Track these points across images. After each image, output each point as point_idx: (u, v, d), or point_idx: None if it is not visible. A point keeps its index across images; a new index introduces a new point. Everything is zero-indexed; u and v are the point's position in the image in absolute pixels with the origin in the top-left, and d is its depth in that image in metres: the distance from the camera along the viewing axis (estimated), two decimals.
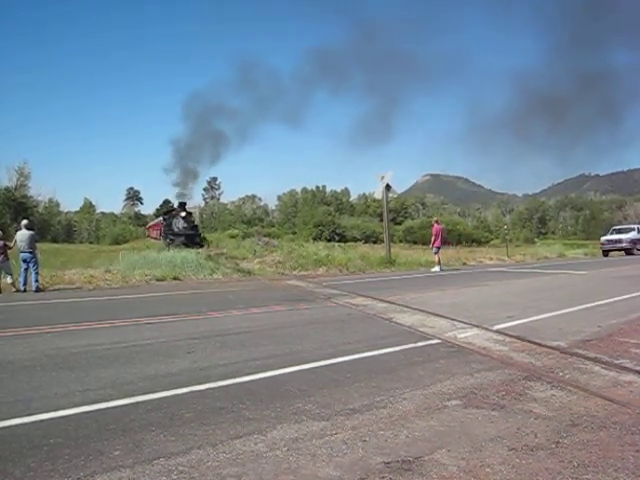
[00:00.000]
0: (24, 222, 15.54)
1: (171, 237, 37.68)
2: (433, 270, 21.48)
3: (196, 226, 42.57)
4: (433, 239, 22.41)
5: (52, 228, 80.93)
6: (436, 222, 23.47)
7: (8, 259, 14.84)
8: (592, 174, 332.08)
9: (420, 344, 6.76)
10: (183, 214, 39.32)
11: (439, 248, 22.19)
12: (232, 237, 49.75)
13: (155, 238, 53.61)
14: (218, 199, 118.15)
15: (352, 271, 21.14)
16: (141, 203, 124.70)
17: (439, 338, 7.09)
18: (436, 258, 22.09)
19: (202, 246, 36.28)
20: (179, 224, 38.62)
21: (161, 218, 49.90)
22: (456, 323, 8.19)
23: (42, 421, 4.04)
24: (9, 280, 14.73)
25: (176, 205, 43.76)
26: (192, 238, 37.38)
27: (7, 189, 70.66)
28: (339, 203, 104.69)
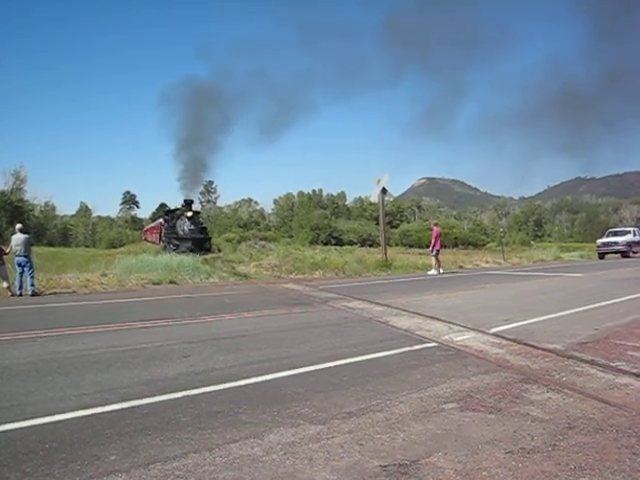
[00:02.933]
0: (18, 226, 15.50)
1: (175, 242, 32.21)
2: (430, 273, 21.52)
3: (205, 228, 37.07)
4: (433, 242, 22.47)
5: (48, 232, 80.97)
6: (435, 225, 23.59)
7: (4, 263, 14.80)
8: (588, 177, 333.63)
9: (416, 347, 6.76)
10: (189, 214, 33.66)
11: (438, 251, 22.24)
12: (228, 241, 49.50)
13: (153, 242, 48.41)
14: (214, 203, 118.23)
15: (348, 274, 21.15)
16: (137, 207, 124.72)
17: (435, 341, 7.09)
18: (433, 261, 22.13)
19: (212, 252, 32.26)
20: (185, 226, 33.26)
21: (161, 220, 43.57)
22: (452, 326, 8.20)
23: (38, 426, 4.03)
24: (5, 285, 14.69)
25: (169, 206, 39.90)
26: (201, 243, 32.30)
27: (3, 193, 70.57)
28: (335, 206, 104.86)
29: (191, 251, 28.12)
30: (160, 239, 40.69)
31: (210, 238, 36.38)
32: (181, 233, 33.07)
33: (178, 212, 35.23)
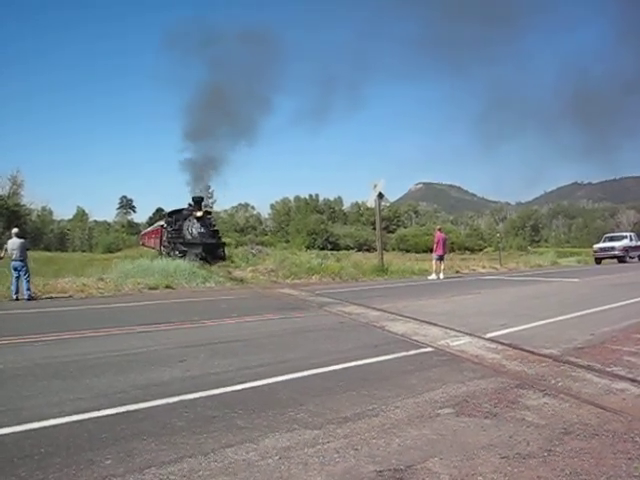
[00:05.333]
0: (15, 230, 15.47)
1: (182, 248, 26.72)
2: (430, 278, 21.49)
3: (217, 232, 30.61)
4: (435, 247, 22.47)
5: (45, 236, 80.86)
6: (439, 230, 23.59)
7: None
8: (585, 182, 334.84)
9: (412, 352, 6.75)
10: (199, 214, 27.88)
11: (441, 256, 22.17)
12: (225, 246, 49.13)
13: (152, 247, 43.22)
14: (211, 207, 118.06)
15: (345, 279, 21.12)
16: (134, 211, 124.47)
17: (432, 346, 7.09)
18: (434, 265, 22.06)
19: (225, 260, 27.19)
20: (193, 229, 27.70)
21: (161, 222, 37.96)
22: (449, 331, 8.19)
23: (33, 430, 4.02)
24: None
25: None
26: (213, 250, 26.87)
27: (0, 197, 70.49)
28: (332, 211, 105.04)
29: (201, 259, 24.61)
30: (161, 244, 35.40)
31: (224, 244, 30.48)
32: (189, 237, 27.74)
33: (185, 212, 29.54)
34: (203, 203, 30.59)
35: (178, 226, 28.91)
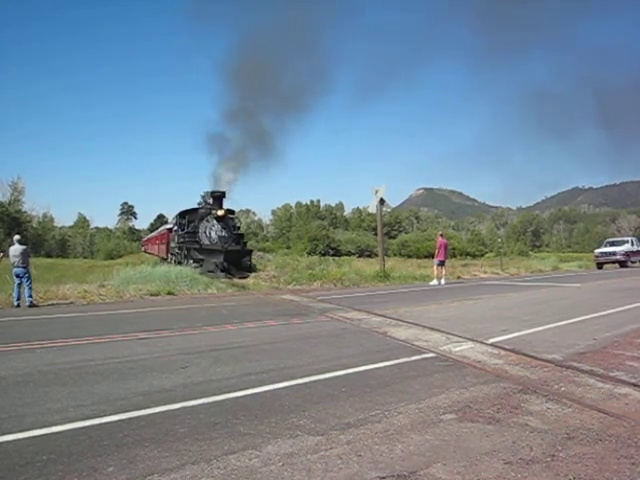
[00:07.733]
0: (16, 237, 15.45)
1: (197, 255, 21.94)
2: (431, 283, 21.43)
3: (242, 235, 26.04)
4: (436, 252, 22.41)
5: (46, 243, 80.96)
6: (440, 235, 23.51)
7: None
8: (585, 187, 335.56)
9: (415, 358, 6.75)
10: (220, 213, 23.03)
11: (442, 261, 22.08)
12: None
13: (155, 254, 39.70)
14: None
15: (347, 285, 21.08)
16: (135, 218, 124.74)
17: (434, 352, 7.08)
18: (435, 271, 22.00)
19: (251, 271, 22.86)
20: (212, 232, 22.91)
21: (168, 226, 33.53)
22: (451, 337, 8.18)
23: (35, 437, 4.01)
24: None
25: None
26: (238, 258, 22.39)
27: (1, 204, 70.71)
28: (333, 217, 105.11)
29: (222, 270, 20.84)
30: (167, 250, 31.23)
31: (251, 251, 25.80)
32: (207, 242, 22.76)
33: (201, 211, 24.18)
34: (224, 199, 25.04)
35: (192, 228, 23.91)
